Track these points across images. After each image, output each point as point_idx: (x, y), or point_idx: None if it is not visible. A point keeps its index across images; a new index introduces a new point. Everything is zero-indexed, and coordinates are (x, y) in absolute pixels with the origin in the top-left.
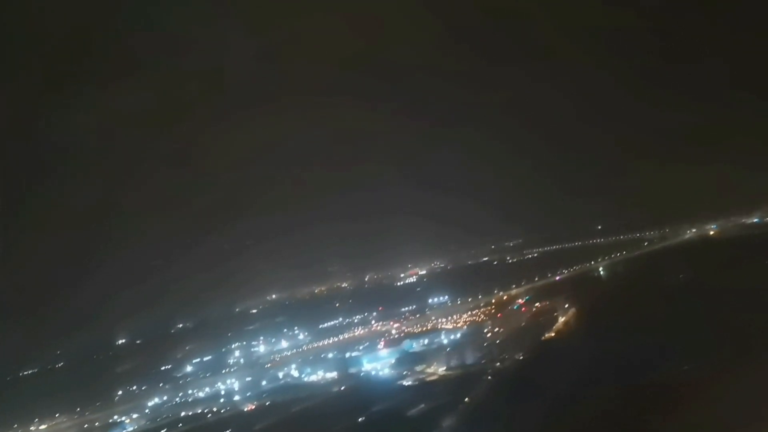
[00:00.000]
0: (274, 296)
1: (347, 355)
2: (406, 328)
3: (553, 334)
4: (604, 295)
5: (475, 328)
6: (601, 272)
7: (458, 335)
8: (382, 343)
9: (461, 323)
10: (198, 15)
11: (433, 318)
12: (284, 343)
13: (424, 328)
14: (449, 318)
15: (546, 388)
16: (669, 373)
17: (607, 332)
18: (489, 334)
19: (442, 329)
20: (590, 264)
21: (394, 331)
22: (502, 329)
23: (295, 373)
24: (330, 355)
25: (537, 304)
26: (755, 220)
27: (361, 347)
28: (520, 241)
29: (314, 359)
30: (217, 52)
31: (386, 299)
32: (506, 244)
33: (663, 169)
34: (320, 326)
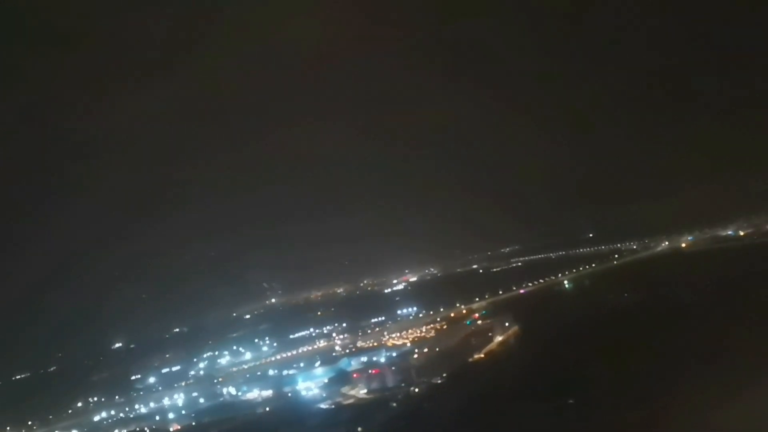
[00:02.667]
0: (273, 300)
1: (285, 372)
2: (361, 342)
3: (482, 356)
4: (556, 311)
5: (411, 348)
6: (566, 285)
7: (394, 354)
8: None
9: (408, 340)
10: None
11: (385, 333)
12: (248, 355)
13: (374, 344)
14: (402, 333)
15: (442, 419)
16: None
17: (539, 353)
18: (416, 356)
19: (383, 347)
20: (557, 277)
21: (338, 347)
22: (435, 349)
23: (233, 391)
24: (272, 372)
25: (479, 322)
26: (730, 232)
27: (302, 364)
28: (517, 247)
29: (261, 375)
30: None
31: (364, 309)
32: (502, 251)
33: (654, 182)
34: (290, 336)
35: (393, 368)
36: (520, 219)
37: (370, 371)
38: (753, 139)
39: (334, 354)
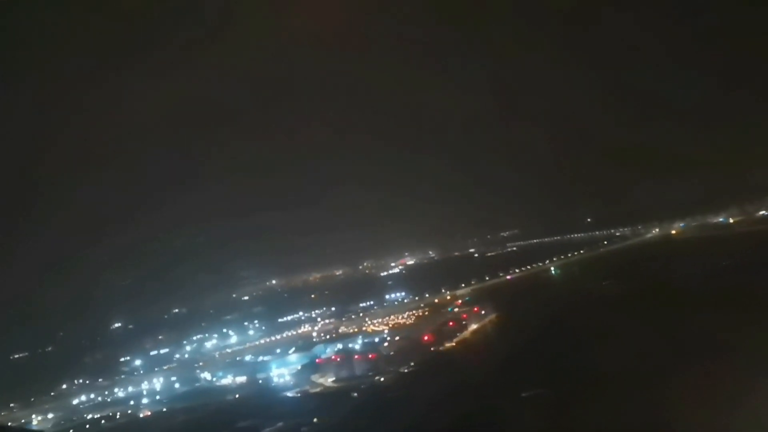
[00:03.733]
0: (274, 281)
1: (260, 359)
2: (343, 328)
3: (453, 344)
4: (537, 298)
5: (387, 335)
6: (553, 272)
7: (369, 341)
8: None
9: (387, 326)
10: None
11: (367, 319)
12: (234, 339)
13: (355, 330)
14: (384, 319)
15: (405, 411)
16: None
17: (512, 342)
18: (386, 344)
19: (362, 333)
20: (544, 264)
21: (319, 333)
22: (408, 336)
23: (209, 376)
24: (248, 358)
25: (456, 310)
26: (721, 219)
27: (278, 350)
28: (516, 231)
29: (240, 361)
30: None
31: (356, 293)
32: (502, 234)
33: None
34: (279, 320)
35: (363, 356)
36: (522, 203)
37: (335, 358)
38: (749, 129)
39: (314, 339)
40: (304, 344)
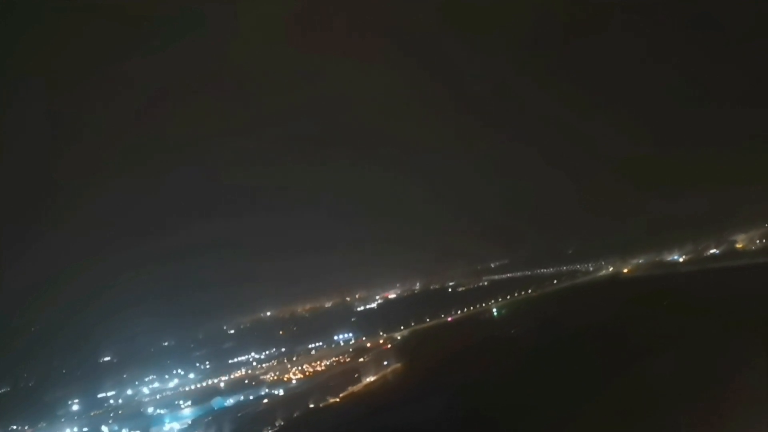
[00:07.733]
0: (269, 313)
1: (156, 412)
2: (270, 374)
3: (337, 400)
4: (461, 345)
5: (292, 385)
6: (495, 313)
7: (262, 395)
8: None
9: (304, 374)
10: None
11: (290, 365)
12: (173, 383)
13: (272, 378)
14: (307, 365)
15: None
16: None
17: (406, 400)
18: (266, 401)
19: (271, 383)
20: (489, 303)
21: (222, 385)
22: (290, 391)
23: (106, 430)
24: (150, 410)
25: (362, 359)
26: (675, 257)
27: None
28: (506, 261)
29: (142, 412)
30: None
31: (319, 330)
32: (491, 265)
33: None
34: (229, 361)
35: (233, 414)
36: (524, 228)
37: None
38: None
39: (232, 389)
40: (204, 396)
